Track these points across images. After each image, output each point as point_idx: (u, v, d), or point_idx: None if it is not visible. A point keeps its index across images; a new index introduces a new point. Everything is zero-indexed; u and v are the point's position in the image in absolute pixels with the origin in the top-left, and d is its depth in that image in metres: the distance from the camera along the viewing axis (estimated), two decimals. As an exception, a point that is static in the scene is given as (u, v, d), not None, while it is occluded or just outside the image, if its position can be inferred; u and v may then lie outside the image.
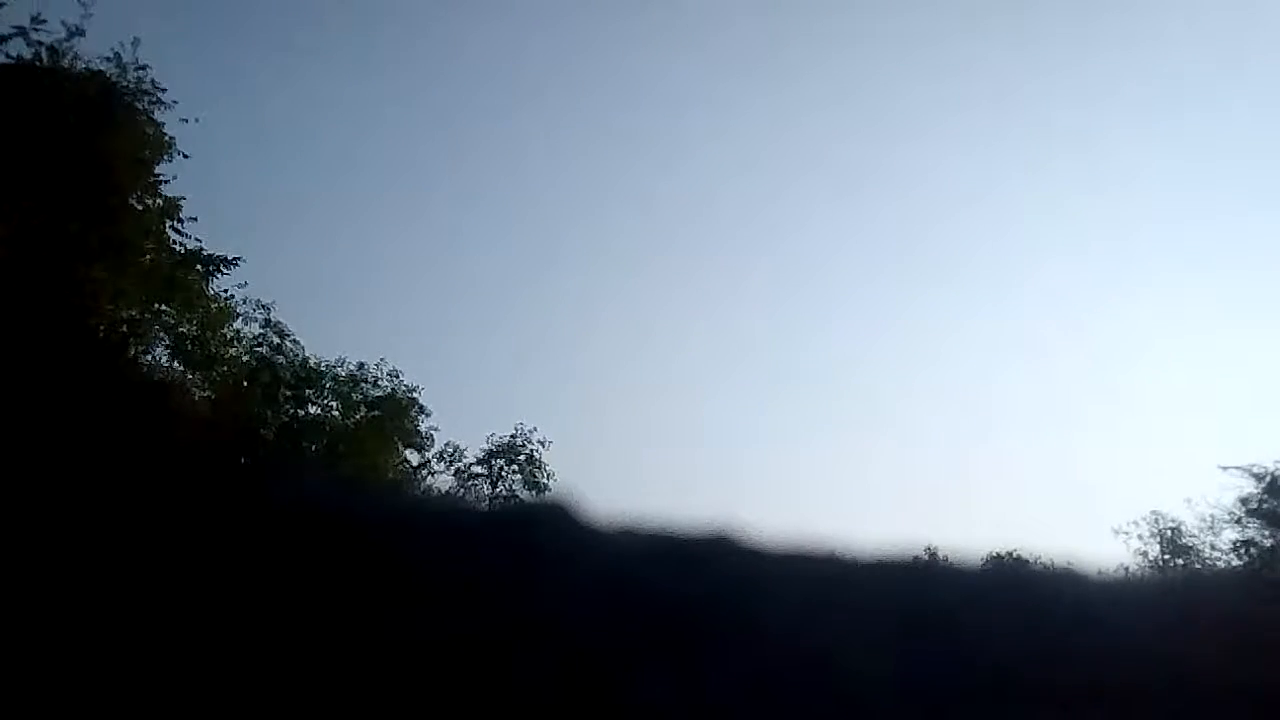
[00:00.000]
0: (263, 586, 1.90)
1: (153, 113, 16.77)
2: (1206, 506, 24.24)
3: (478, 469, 26.75)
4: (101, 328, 16.48)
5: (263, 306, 22.62)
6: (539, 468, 26.71)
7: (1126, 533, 25.99)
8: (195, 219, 17.80)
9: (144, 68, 16.60)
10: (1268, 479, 22.60)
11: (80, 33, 15.79)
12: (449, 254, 58.22)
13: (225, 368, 21.16)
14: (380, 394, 24.30)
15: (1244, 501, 23.09)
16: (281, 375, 22.91)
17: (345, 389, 23.90)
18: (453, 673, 1.78)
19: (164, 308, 18.92)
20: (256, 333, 22.73)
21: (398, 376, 24.68)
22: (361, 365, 24.38)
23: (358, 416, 23.86)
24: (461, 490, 25.89)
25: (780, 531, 2.17)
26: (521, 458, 26.73)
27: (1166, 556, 25.21)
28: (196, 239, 18.11)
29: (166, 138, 16.98)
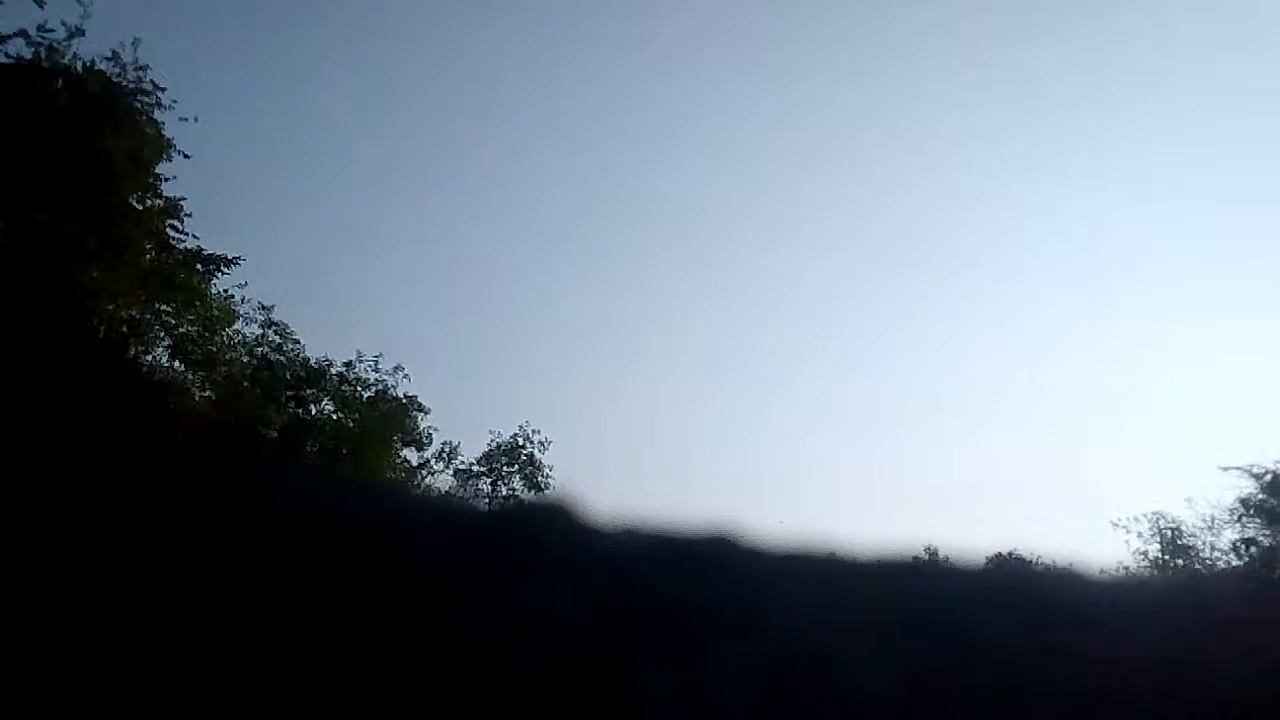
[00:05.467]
0: (262, 586, 1.90)
1: (152, 112, 16.78)
2: (1207, 506, 24.27)
3: (478, 469, 26.77)
4: (101, 328, 16.48)
5: (263, 307, 22.64)
6: (539, 468, 26.73)
7: (1126, 528, 25.97)
8: (190, 215, 17.80)
9: (144, 68, 16.62)
10: (1268, 479, 22.61)
11: (80, 33, 15.81)
12: (449, 254, 58.22)
13: (225, 368, 21.18)
14: (372, 393, 24.22)
15: (1244, 501, 23.11)
16: (282, 375, 22.91)
17: (345, 391, 23.88)
18: (452, 672, 1.78)
19: (164, 308, 18.94)
20: (257, 333, 22.75)
21: (377, 365, 24.43)
22: (349, 364, 24.29)
23: (357, 416, 23.84)
24: (462, 490, 25.90)
25: (780, 531, 2.17)
26: (522, 458, 26.74)
27: (1166, 556, 25.22)
28: (195, 236, 18.14)
29: (166, 138, 17.00)
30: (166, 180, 17.37)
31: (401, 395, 24.67)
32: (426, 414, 25.21)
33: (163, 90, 16.76)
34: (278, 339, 23.10)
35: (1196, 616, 2.14)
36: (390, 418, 24.37)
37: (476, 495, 25.95)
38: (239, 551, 1.98)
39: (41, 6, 15.18)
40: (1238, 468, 22.95)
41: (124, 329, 17.75)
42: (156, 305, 18.68)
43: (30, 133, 14.49)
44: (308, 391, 23.41)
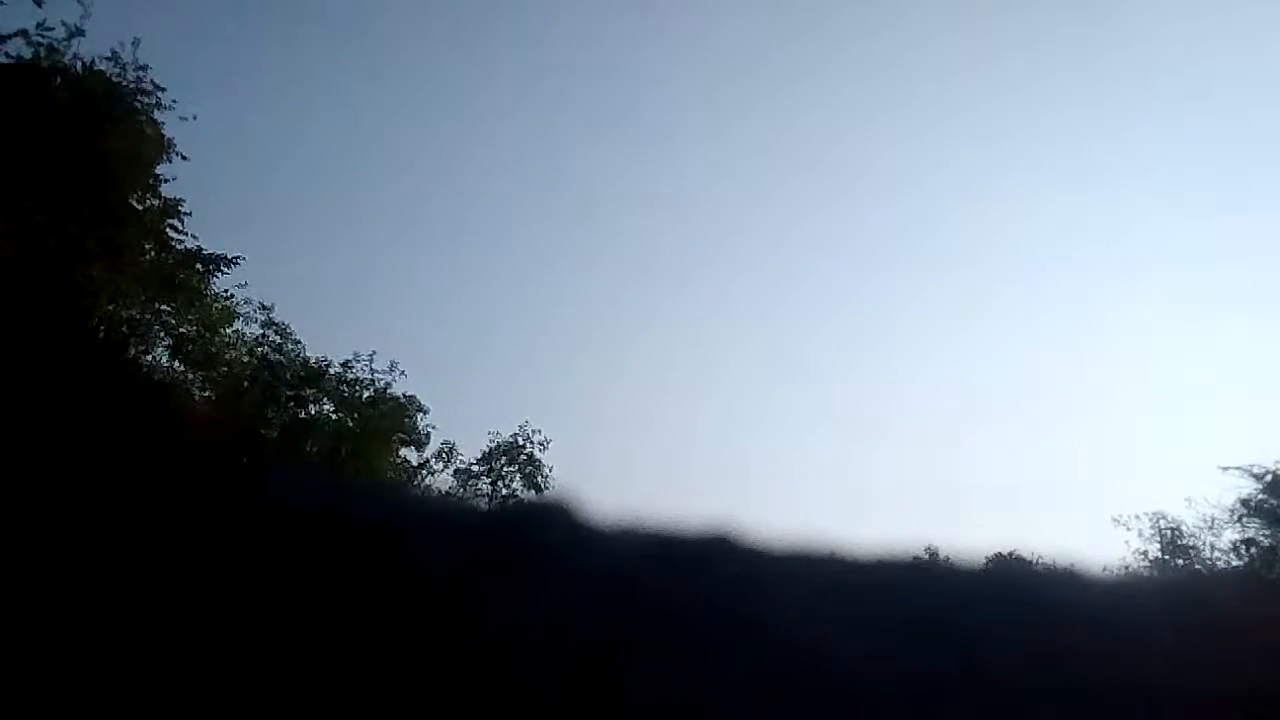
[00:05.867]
0: (263, 586, 1.90)
1: (152, 112, 16.77)
2: (1207, 506, 24.26)
3: (478, 469, 26.75)
4: (101, 328, 16.48)
5: (263, 307, 22.61)
6: (539, 468, 26.71)
7: (1126, 525, 25.96)
8: (190, 214, 17.76)
9: (144, 68, 16.61)
10: (1268, 479, 22.60)
11: (80, 33, 15.80)
12: (449, 254, 58.24)
13: (226, 368, 21.16)
14: (371, 393, 24.18)
15: (1244, 501, 23.10)
16: (282, 375, 22.88)
17: (344, 390, 23.85)
18: (454, 671, 1.78)
19: (164, 308, 18.93)
20: (257, 333, 22.72)
21: (372, 365, 24.33)
22: (347, 363, 24.24)
23: (357, 416, 23.81)
24: (461, 490, 25.89)
25: (780, 531, 2.17)
26: (522, 458, 26.72)
27: (1166, 556, 25.21)
28: (193, 235, 18.13)
29: (166, 138, 16.99)
30: (166, 181, 17.38)
31: (400, 395, 24.65)
32: (425, 414, 25.21)
33: (163, 90, 16.76)
34: (278, 339, 23.09)
35: (1196, 616, 2.14)
36: (390, 417, 24.35)
37: (476, 495, 25.95)
38: (240, 550, 1.98)
39: (40, 5, 15.17)
40: (1238, 468, 22.95)
41: (124, 329, 17.74)
42: (156, 305, 18.66)
43: (30, 133, 14.48)
44: (308, 391, 23.39)
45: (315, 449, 22.68)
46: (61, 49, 15.65)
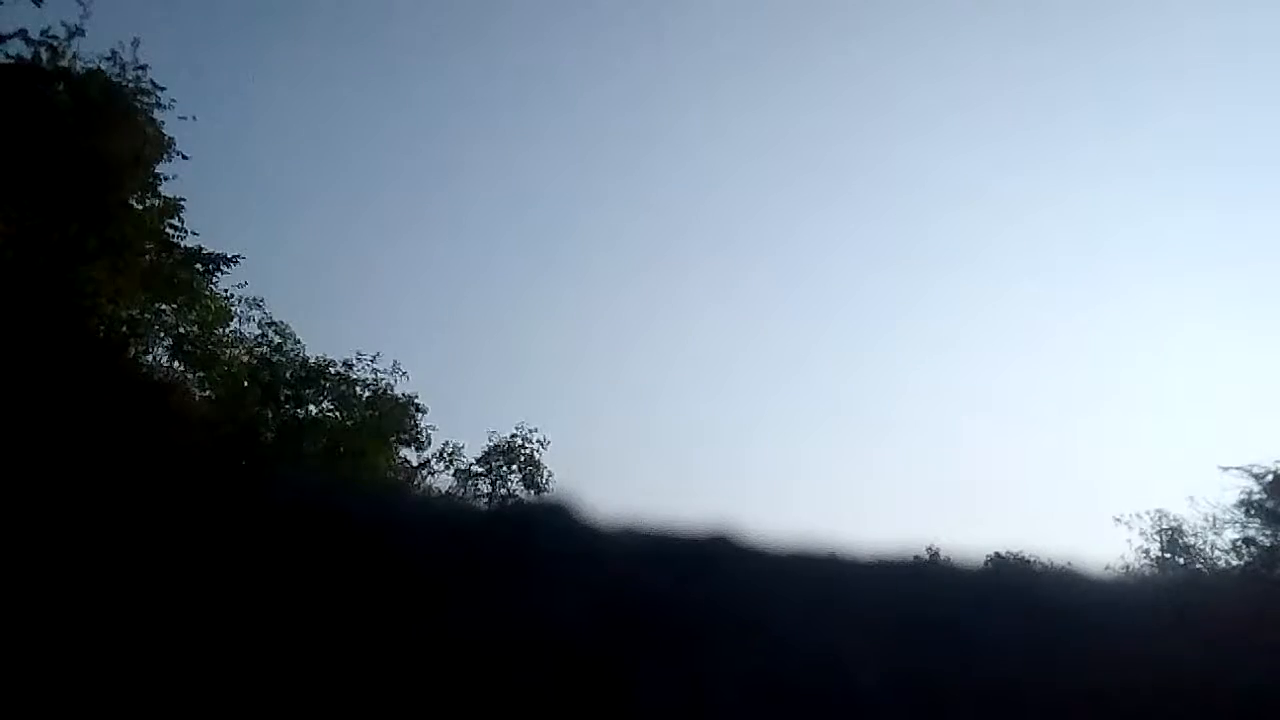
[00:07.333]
0: (262, 587, 1.90)
1: (151, 112, 16.78)
2: (1207, 505, 24.31)
3: (477, 469, 26.75)
4: (101, 328, 16.48)
5: (257, 305, 22.57)
6: (538, 468, 26.72)
7: (1128, 524, 26.03)
8: (184, 206, 17.70)
9: (143, 67, 16.63)
10: (1268, 479, 22.62)
11: (80, 33, 15.80)
12: (449, 253, 58.23)
13: (225, 368, 21.16)
14: (371, 393, 24.17)
15: (1244, 501, 23.12)
16: (281, 375, 22.89)
17: (344, 390, 23.84)
18: (452, 673, 1.78)
19: (164, 307, 18.94)
20: (256, 333, 22.72)
21: (375, 365, 24.30)
22: (348, 363, 24.24)
23: (356, 416, 23.81)
24: (461, 490, 25.89)
25: (780, 531, 2.17)
26: (521, 458, 26.73)
27: (1167, 555, 25.25)
28: (194, 232, 18.13)
29: (165, 137, 17.00)
30: (166, 180, 17.39)
31: (400, 395, 24.65)
32: (424, 413, 25.22)
33: (162, 90, 16.77)
34: (278, 339, 23.10)
35: (1197, 616, 2.14)
36: (389, 417, 24.36)
37: (476, 495, 25.96)
38: (238, 552, 1.98)
39: (39, 4, 15.16)
40: (1238, 468, 22.98)
41: (124, 329, 17.75)
42: (156, 305, 18.68)
43: (30, 133, 14.47)
44: (307, 391, 23.39)
45: (314, 449, 22.68)
46: (61, 49, 15.66)
